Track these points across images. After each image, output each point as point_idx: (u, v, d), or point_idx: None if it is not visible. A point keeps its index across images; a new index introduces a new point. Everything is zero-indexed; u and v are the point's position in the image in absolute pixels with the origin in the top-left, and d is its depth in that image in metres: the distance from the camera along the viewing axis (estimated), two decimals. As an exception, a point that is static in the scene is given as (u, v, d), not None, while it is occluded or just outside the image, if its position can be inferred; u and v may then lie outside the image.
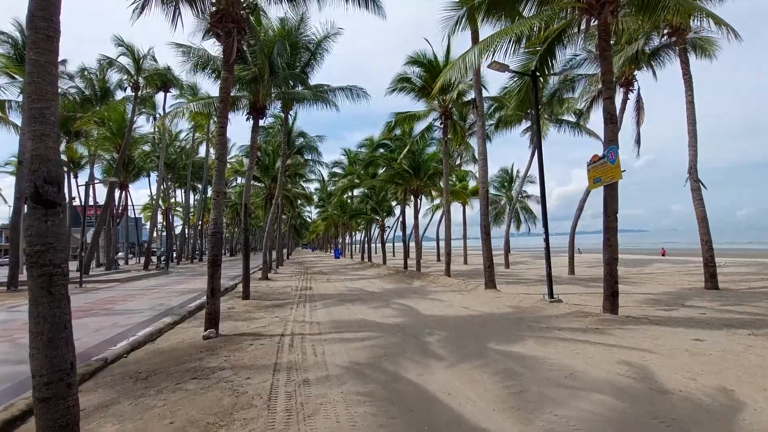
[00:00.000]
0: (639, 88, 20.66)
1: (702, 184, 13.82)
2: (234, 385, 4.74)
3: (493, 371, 4.89)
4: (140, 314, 10.02)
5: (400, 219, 24.40)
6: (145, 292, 15.32)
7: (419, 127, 22.12)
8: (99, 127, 24.89)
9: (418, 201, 21.05)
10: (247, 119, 14.66)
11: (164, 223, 39.17)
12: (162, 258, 28.11)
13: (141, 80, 24.88)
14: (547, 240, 10.06)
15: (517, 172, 43.93)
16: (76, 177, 36.09)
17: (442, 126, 17.75)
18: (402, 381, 4.73)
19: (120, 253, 53.81)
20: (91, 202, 38.89)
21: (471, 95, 17.83)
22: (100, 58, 24.37)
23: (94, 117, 24.93)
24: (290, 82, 16.46)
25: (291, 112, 21.94)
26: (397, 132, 22.99)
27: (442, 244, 35.89)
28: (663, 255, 35.69)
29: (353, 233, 51.07)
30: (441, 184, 22.87)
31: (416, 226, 20.73)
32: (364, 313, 9.54)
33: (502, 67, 10.05)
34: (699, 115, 16.70)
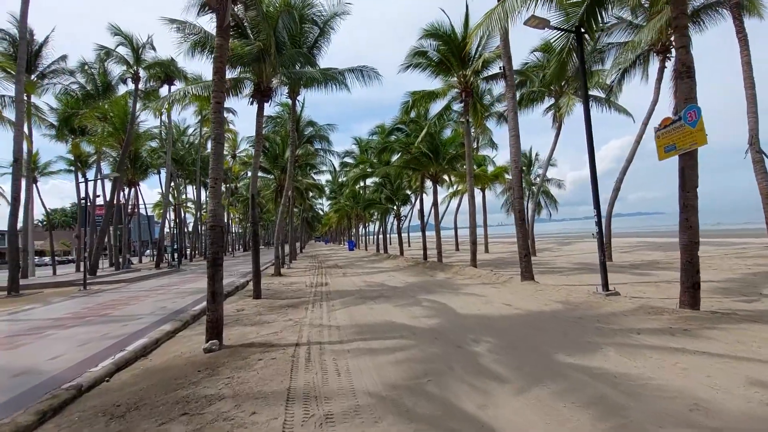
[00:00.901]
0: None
1: (765, 154, 12.17)
2: (234, 425, 3.56)
3: (582, 400, 3.60)
4: (139, 321, 8.98)
5: (418, 207, 23.07)
6: (150, 293, 14.38)
7: (434, 109, 20.70)
8: (101, 123, 24.00)
9: (437, 187, 19.64)
10: (251, 103, 13.44)
11: (176, 220, 38.53)
12: (174, 256, 27.36)
13: (141, 71, 23.80)
14: (600, 223, 8.65)
15: (536, 155, 42.13)
16: (84, 176, 35.61)
17: (462, 103, 16.26)
18: (458, 416, 3.48)
19: (135, 251, 53.78)
20: (102, 201, 38.47)
21: (493, 69, 16.29)
22: (97, 48, 23.35)
23: (95, 112, 24.04)
24: (298, 61, 15.14)
25: (299, 98, 20.69)
26: (413, 114, 21.57)
27: (461, 232, 34.48)
28: None
29: (366, 224, 49.92)
30: (460, 168, 21.44)
31: (436, 214, 19.38)
32: (390, 313, 8.32)
33: (542, 23, 8.58)
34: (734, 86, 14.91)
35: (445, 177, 22.75)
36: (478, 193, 30.58)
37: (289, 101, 20.37)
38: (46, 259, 53.10)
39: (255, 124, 13.18)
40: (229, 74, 13.43)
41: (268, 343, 6.39)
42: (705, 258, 16.60)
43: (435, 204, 19.69)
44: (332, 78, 15.23)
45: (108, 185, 38.22)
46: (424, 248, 21.95)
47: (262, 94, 13.21)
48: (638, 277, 11.91)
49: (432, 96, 16.32)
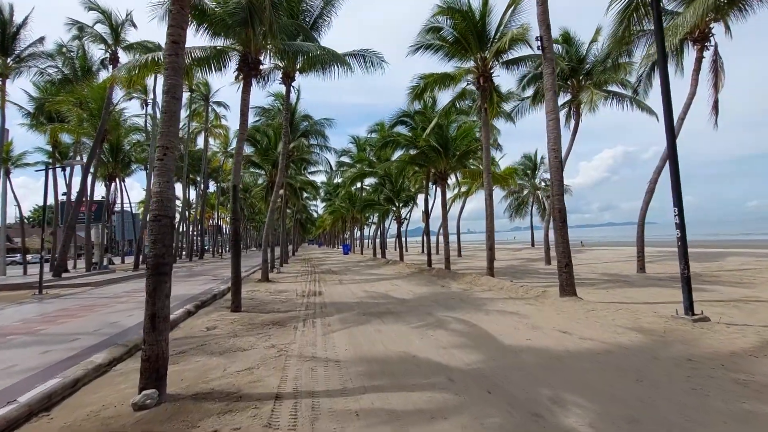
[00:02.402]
0: (716, 45, 17.08)
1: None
2: None
3: None
4: (71, 344, 6.79)
5: (422, 208, 21.07)
6: (112, 300, 12.14)
7: (443, 101, 18.73)
8: (76, 110, 21.69)
9: (445, 186, 17.60)
10: (237, 77, 11.35)
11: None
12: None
13: (121, 52, 21.51)
14: (681, 225, 6.64)
15: (542, 159, 40.43)
16: (63, 169, 33.12)
17: (479, 89, 14.30)
18: None
19: (122, 251, 51.08)
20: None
21: (515, 53, 14.36)
22: (69, 23, 21.08)
23: (69, 97, 21.74)
24: (294, 34, 13.06)
25: (294, 85, 18.64)
26: (417, 107, 19.58)
27: (464, 237, 32.45)
28: None
29: (362, 227, 47.81)
30: (471, 165, 19.47)
31: (444, 215, 17.36)
32: (407, 339, 6.23)
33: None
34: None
35: (451, 176, 20.67)
36: (478, 196, 28.63)
37: (283, 88, 18.30)
38: (29, 257, 50.14)
39: (240, 101, 11.06)
40: (209, 42, 11.36)
41: (235, 393, 4.27)
42: (753, 271, 14.76)
43: (443, 205, 17.67)
44: (333, 58, 13.17)
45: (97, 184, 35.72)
46: (429, 253, 19.89)
47: (249, 68, 11.12)
48: (698, 294, 9.93)
49: (446, 80, 14.30)
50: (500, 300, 9.60)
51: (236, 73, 11.29)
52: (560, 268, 9.06)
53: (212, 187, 64.06)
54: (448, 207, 37.94)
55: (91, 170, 33.20)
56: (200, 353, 6.05)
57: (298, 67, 18.35)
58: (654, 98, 20.55)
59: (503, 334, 6.27)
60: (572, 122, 23.18)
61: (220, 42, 11.77)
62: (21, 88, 36.21)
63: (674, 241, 6.94)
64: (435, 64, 15.83)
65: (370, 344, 6.10)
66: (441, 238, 20.72)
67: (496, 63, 14.59)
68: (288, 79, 18.15)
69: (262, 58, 11.58)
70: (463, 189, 30.15)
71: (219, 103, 43.83)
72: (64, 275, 19.81)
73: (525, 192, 40.07)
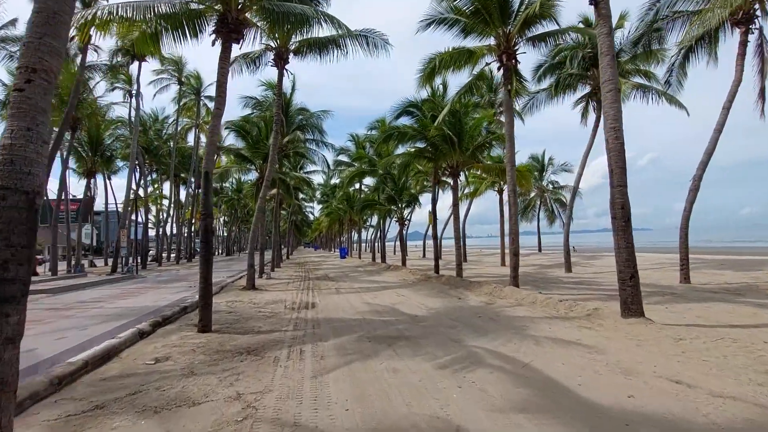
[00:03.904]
0: (761, 27, 15.22)
1: None
2: None
3: None
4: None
5: (423, 210, 19.04)
6: (52, 315, 9.92)
7: (454, 87, 16.75)
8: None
9: (457, 182, 15.53)
10: (213, 42, 9.30)
11: (144, 218, 33.99)
12: (127, 260, 22.82)
13: (93, 29, 19.26)
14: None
15: (550, 159, 38.61)
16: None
17: (501, 69, 12.35)
18: None
19: (110, 253, 48.66)
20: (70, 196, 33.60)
21: (539, 28, 12.43)
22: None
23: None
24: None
25: (288, 68, 16.56)
26: (422, 97, 17.61)
27: (475, 241, 30.42)
28: None
29: (360, 230, 45.72)
30: (486, 159, 17.47)
31: (455, 216, 15.30)
32: (438, 389, 4.18)
33: None
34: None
35: (458, 173, 18.59)
36: (495, 195, 26.64)
37: (276, 68, 16.24)
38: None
39: (217, 70, 8.99)
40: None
41: None
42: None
43: (454, 203, 15.59)
44: (331, 24, 11.11)
45: (72, 177, 33.40)
46: (436, 258, 17.83)
47: (229, 29, 9.07)
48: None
49: (463, 57, 12.30)
50: (542, 320, 7.55)
51: (213, 36, 9.23)
52: (623, 281, 7.03)
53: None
54: (450, 211, 36.02)
55: (71, 165, 31.03)
56: (126, 410, 3.97)
57: (292, 48, 16.40)
58: (687, 90, 18.65)
59: (582, 382, 4.21)
60: (589, 120, 21.54)
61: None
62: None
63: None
64: (448, 43, 14.35)
65: (384, 398, 4.03)
66: (436, 241, 18.64)
67: (520, 40, 12.65)
68: (281, 60, 16.13)
69: (242, 20, 9.52)
70: (468, 190, 28.14)
71: (211, 98, 41.68)
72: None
73: (532, 194, 38.15)
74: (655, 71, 19.34)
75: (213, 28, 9.26)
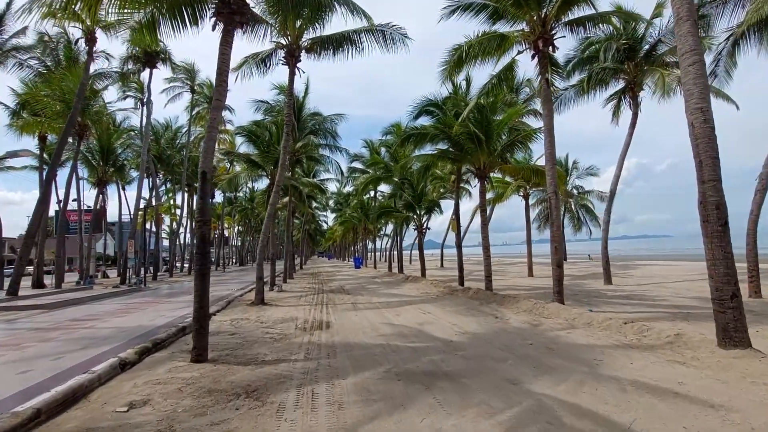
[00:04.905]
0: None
1: None
2: None
3: None
4: None
5: (449, 216, 17.55)
6: (34, 336, 8.83)
7: (479, 82, 15.42)
8: (52, 102, 18.90)
9: (485, 185, 14.07)
10: (214, 27, 8.19)
11: (156, 227, 33.30)
12: (139, 271, 21.92)
13: (99, 31, 18.55)
14: None
15: (574, 163, 36.79)
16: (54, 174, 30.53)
17: (536, 57, 10.99)
18: None
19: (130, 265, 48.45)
20: (73, 206, 33.26)
21: (581, 10, 11.06)
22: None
23: (44, 89, 18.98)
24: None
25: (300, 66, 15.49)
26: (442, 96, 16.33)
27: (478, 251, 28.72)
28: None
29: (375, 239, 44.38)
30: (513, 159, 16.02)
31: (483, 222, 13.85)
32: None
33: None
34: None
35: (486, 175, 17.07)
36: (520, 200, 25.01)
37: (286, 79, 15.21)
38: (30, 268, 47.67)
39: (217, 58, 7.87)
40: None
41: None
42: None
43: (482, 208, 14.11)
44: (351, 8, 9.94)
45: (87, 188, 32.96)
46: (461, 269, 16.33)
47: (231, 11, 7.95)
48: None
49: (493, 44, 10.95)
50: (613, 350, 6.05)
51: (213, 19, 8.14)
52: (721, 301, 5.50)
53: (219, 197, 61.59)
54: (470, 218, 34.34)
55: (83, 175, 30.60)
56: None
57: (304, 45, 15.38)
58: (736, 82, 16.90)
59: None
60: (620, 119, 19.92)
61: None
62: (8, 86, 34.10)
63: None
64: (477, 26, 13.12)
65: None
66: (460, 251, 17.08)
67: (556, 24, 11.29)
68: (292, 58, 15.11)
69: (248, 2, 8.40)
70: (490, 195, 26.55)
71: (226, 107, 41.35)
72: (28, 293, 16.78)
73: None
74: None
75: (213, 11, 8.17)
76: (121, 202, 41.95)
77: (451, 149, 14.43)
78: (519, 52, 11.72)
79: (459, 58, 11.22)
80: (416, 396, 4.46)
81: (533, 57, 11.25)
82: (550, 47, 10.92)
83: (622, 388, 4.37)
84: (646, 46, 17.86)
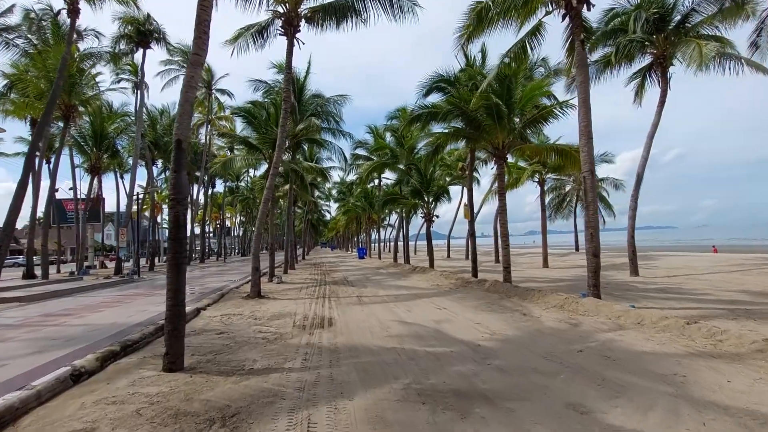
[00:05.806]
0: None
1: None
2: None
3: None
4: None
5: (465, 201, 16.25)
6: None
7: (494, 54, 13.98)
8: (35, 81, 17.62)
9: (503, 168, 12.72)
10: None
11: (149, 216, 32.24)
12: (137, 261, 20.87)
13: (83, 3, 17.11)
14: None
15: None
16: (48, 161, 29.42)
17: (568, 14, 9.58)
18: None
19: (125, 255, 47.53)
20: (68, 195, 32.19)
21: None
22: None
23: (30, 68, 17.69)
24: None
25: (300, 38, 14.13)
26: (454, 72, 14.94)
27: (481, 241, 27.39)
28: (715, 253, 28.99)
29: (379, 229, 43.16)
30: (536, 138, 14.65)
31: (502, 208, 12.55)
32: None
33: None
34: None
35: (505, 155, 15.64)
36: (535, 186, 23.60)
37: (285, 54, 13.81)
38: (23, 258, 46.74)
39: (197, 4, 6.58)
40: None
41: None
42: None
43: (500, 192, 12.78)
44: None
45: (81, 175, 31.86)
46: (474, 260, 15.06)
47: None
48: None
49: (521, 2, 9.52)
50: (692, 361, 4.80)
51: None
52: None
53: (220, 186, 60.35)
54: (479, 207, 32.95)
55: (78, 162, 29.43)
56: None
57: (303, 13, 14.03)
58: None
59: None
60: (646, 99, 18.41)
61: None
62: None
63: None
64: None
65: None
66: (474, 240, 15.78)
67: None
68: (290, 27, 13.80)
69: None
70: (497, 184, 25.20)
71: (223, 91, 39.96)
72: (14, 284, 15.75)
73: (567, 188, 34.82)
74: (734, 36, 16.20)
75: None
76: (119, 191, 40.74)
77: (465, 128, 13.06)
78: (547, 13, 10.29)
79: (478, 18, 9.79)
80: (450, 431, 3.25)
81: (563, 17, 9.84)
82: (584, 4, 9.47)
83: (741, 423, 3.13)
84: (678, 17, 16.32)
